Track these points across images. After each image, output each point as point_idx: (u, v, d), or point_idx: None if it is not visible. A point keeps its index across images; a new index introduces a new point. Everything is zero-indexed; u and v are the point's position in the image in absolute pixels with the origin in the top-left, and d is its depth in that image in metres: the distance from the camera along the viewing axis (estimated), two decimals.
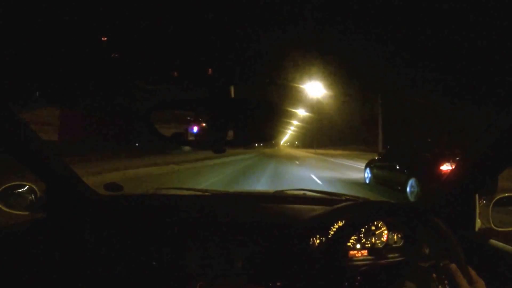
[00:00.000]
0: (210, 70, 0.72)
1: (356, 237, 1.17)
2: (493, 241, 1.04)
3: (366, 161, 8.84)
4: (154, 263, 1.12)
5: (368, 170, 8.33)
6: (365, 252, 1.17)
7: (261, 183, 7.71)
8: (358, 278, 1.03)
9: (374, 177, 7.89)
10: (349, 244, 1.16)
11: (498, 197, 1.07)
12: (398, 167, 6.63)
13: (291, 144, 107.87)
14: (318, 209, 1.23)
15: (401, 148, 7.38)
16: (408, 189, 5.94)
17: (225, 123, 0.80)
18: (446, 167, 5.23)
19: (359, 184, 8.15)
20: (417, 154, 6.32)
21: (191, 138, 0.82)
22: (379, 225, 1.19)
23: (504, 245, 1.00)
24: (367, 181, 8.21)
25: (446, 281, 0.87)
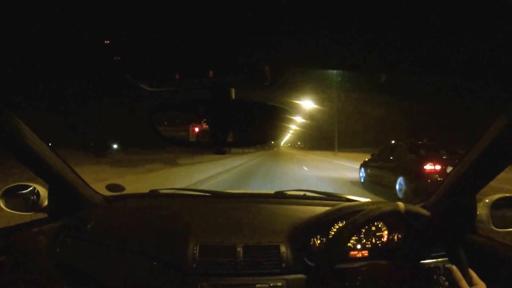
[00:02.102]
0: (211, 72, 0.72)
1: (356, 238, 1.16)
2: (493, 242, 1.04)
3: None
4: (155, 263, 1.12)
5: (362, 170, 8.53)
6: (365, 252, 1.16)
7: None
8: (359, 278, 1.03)
9: (368, 176, 8.11)
10: (349, 244, 1.15)
11: (497, 198, 1.07)
12: (388, 167, 7.00)
13: (293, 145, 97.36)
14: (319, 209, 1.22)
15: (391, 148, 7.70)
16: (397, 187, 6.29)
17: (226, 125, 0.80)
18: (429, 167, 5.65)
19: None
20: (404, 155, 6.70)
21: (192, 139, 0.82)
22: (380, 225, 1.19)
23: (504, 245, 1.00)
24: (362, 181, 8.41)
25: (446, 283, 0.87)
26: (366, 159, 8.45)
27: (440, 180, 5.55)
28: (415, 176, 5.81)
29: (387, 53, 0.85)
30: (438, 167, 5.67)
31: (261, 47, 0.77)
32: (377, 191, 6.84)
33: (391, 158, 7.13)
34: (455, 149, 6.88)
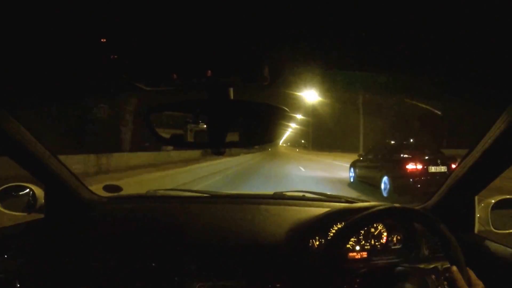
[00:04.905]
0: (209, 72, 0.71)
1: (355, 239, 1.12)
2: (493, 243, 1.00)
3: None
4: (153, 264, 1.10)
5: (352, 169, 8.63)
6: (364, 254, 1.12)
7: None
8: (357, 280, 1.02)
9: (357, 176, 8.25)
10: (348, 246, 1.11)
11: (497, 200, 1.05)
12: (374, 166, 7.18)
13: (293, 144, 76.44)
14: (318, 210, 1.18)
15: (377, 149, 7.87)
16: (382, 185, 6.47)
17: (225, 125, 0.79)
18: (411, 166, 5.90)
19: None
20: (389, 155, 6.89)
21: (190, 139, 0.81)
22: (379, 227, 1.15)
23: (504, 247, 0.99)
24: (351, 180, 8.51)
25: (445, 283, 0.86)
26: (355, 160, 8.56)
27: (422, 179, 5.75)
28: (398, 175, 6.04)
29: (386, 54, 0.84)
30: (419, 166, 5.87)
31: (260, 46, 0.76)
32: (366, 190, 7.01)
33: (377, 158, 7.32)
34: (438, 149, 6.99)
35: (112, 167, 11.13)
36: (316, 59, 0.88)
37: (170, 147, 17.81)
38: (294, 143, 77.07)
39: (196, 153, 19.02)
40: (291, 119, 0.80)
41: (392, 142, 7.46)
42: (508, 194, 1.07)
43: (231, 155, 17.81)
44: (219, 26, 0.65)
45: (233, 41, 0.71)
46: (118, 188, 1.42)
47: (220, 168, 12.07)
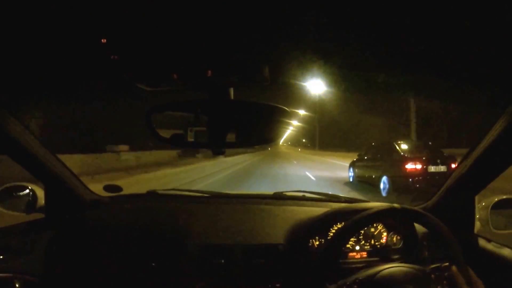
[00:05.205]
0: (210, 72, 0.71)
1: (355, 239, 1.12)
2: (493, 243, 1.00)
3: None
4: (153, 264, 1.10)
5: (351, 169, 8.60)
6: (364, 254, 1.12)
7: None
8: (357, 280, 1.02)
9: (356, 175, 8.23)
10: (348, 245, 1.10)
11: (497, 200, 1.05)
12: (374, 166, 7.16)
13: (294, 144, 73.58)
14: (318, 210, 1.18)
15: (376, 149, 7.83)
16: (381, 185, 6.43)
17: (225, 125, 0.79)
18: (410, 166, 5.85)
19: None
20: (388, 154, 6.82)
21: (190, 139, 0.81)
22: (379, 227, 1.14)
23: (503, 247, 0.99)
24: (351, 180, 8.46)
25: (445, 283, 0.86)
26: (355, 159, 8.50)
27: (421, 179, 5.71)
28: (397, 175, 5.99)
29: (387, 54, 0.84)
30: (419, 166, 5.83)
31: (261, 46, 0.76)
32: (365, 189, 6.94)
33: (377, 157, 7.28)
34: (438, 149, 6.95)
35: None
36: (316, 59, 0.88)
37: (125, 147, 15.16)
38: (295, 142, 74.33)
39: (166, 156, 15.82)
40: (292, 117, 0.80)
41: (392, 141, 7.40)
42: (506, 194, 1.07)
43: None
44: (219, 27, 0.65)
45: (233, 41, 0.71)
46: (118, 188, 1.42)
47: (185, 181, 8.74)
